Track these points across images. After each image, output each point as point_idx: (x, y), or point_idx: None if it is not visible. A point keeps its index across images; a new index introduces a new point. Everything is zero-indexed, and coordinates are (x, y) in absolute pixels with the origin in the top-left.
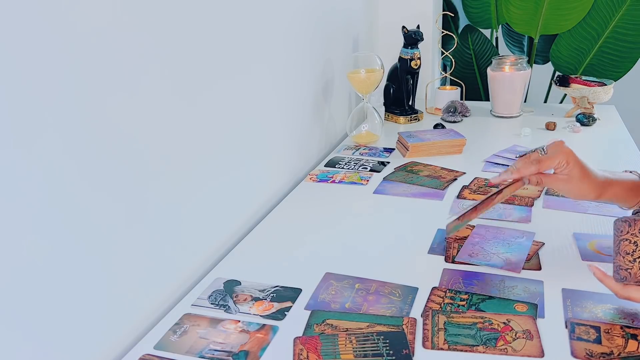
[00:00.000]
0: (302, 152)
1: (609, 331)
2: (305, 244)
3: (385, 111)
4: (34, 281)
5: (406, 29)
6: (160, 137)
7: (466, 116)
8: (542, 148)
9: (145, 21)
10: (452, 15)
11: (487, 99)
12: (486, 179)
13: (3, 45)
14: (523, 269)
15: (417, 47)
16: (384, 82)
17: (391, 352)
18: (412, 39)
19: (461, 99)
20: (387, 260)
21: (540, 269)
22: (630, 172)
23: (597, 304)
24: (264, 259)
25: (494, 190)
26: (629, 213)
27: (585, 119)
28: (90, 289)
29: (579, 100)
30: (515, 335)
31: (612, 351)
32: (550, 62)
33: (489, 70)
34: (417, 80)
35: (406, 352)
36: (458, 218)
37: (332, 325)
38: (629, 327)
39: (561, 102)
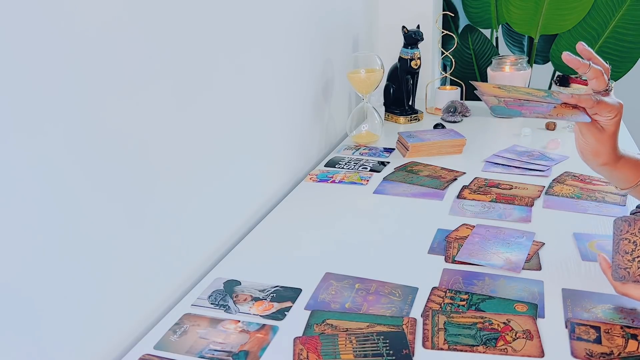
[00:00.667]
0: (302, 152)
1: (609, 331)
2: (305, 244)
3: (385, 111)
4: (34, 281)
5: (406, 29)
6: (160, 137)
7: (466, 116)
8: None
9: (146, 21)
10: (452, 15)
11: None
12: (486, 179)
13: (5, 46)
14: (523, 269)
15: (417, 47)
16: (384, 82)
17: (391, 352)
18: (412, 39)
19: (461, 99)
20: (387, 260)
21: (540, 269)
22: None
23: (597, 304)
24: (264, 259)
25: (542, 93)
26: (627, 212)
27: None
28: (90, 288)
29: None
30: (515, 335)
31: (612, 351)
32: (550, 62)
33: (489, 70)
34: (417, 80)
35: (406, 352)
36: (504, 100)
37: (332, 325)
38: (629, 327)
39: None
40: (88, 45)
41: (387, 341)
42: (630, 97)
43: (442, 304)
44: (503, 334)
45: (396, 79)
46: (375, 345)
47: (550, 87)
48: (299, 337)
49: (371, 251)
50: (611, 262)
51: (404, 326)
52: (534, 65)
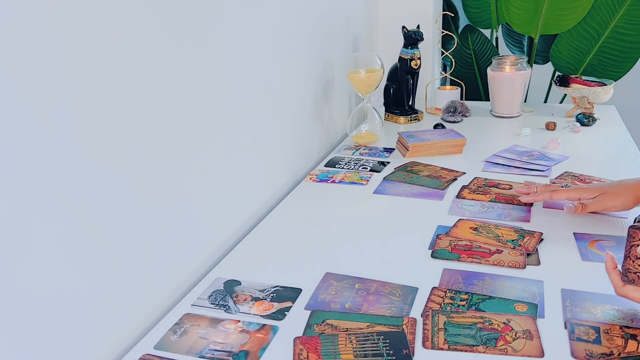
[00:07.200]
0: (302, 152)
1: (609, 331)
2: (305, 244)
3: (385, 111)
4: (34, 281)
5: (406, 29)
6: (160, 136)
7: (466, 116)
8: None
9: (149, 19)
10: (452, 15)
11: (487, 99)
12: (486, 179)
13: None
14: (524, 265)
15: (417, 47)
16: (384, 82)
17: (391, 352)
18: (412, 39)
19: (461, 99)
20: (387, 260)
21: (539, 264)
22: None
23: (596, 305)
24: (264, 259)
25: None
26: (627, 211)
27: (585, 119)
28: (90, 288)
29: (579, 100)
30: (515, 335)
31: (612, 351)
32: (550, 62)
33: (489, 70)
34: (417, 80)
35: (406, 352)
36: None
37: (332, 325)
38: (628, 328)
39: (561, 102)
40: (86, 47)
41: (387, 341)
42: (630, 97)
43: (442, 304)
44: (503, 334)
45: (396, 79)
46: (375, 345)
47: (550, 88)
48: (299, 337)
49: (371, 251)
50: (620, 265)
51: (404, 326)
52: (534, 65)
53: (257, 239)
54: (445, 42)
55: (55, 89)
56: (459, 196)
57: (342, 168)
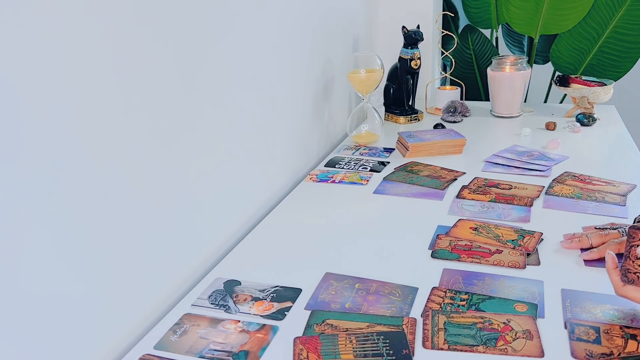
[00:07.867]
0: (302, 152)
1: (609, 331)
2: (305, 244)
3: (385, 111)
4: (33, 281)
5: (406, 29)
6: (160, 136)
7: (466, 116)
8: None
9: (146, 23)
10: (452, 15)
11: (487, 99)
12: (486, 179)
13: None
14: (524, 265)
15: (417, 47)
16: (384, 82)
17: (391, 352)
18: (412, 39)
19: (461, 99)
20: (387, 260)
21: (539, 264)
22: None
23: (596, 305)
24: (264, 259)
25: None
26: (627, 211)
27: (585, 119)
28: (90, 288)
29: (579, 100)
30: (515, 335)
31: (612, 351)
32: (550, 62)
33: (489, 70)
34: (417, 80)
35: (406, 352)
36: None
37: (332, 325)
38: (628, 328)
39: (561, 102)
40: (87, 43)
41: (387, 341)
42: (630, 97)
43: (442, 304)
44: (503, 334)
45: (396, 79)
46: (375, 345)
47: (550, 88)
48: (299, 337)
49: (371, 251)
50: (620, 265)
51: (404, 326)
52: (534, 65)
53: (257, 239)
54: (445, 42)
55: (55, 91)
56: (459, 196)
57: (342, 168)
